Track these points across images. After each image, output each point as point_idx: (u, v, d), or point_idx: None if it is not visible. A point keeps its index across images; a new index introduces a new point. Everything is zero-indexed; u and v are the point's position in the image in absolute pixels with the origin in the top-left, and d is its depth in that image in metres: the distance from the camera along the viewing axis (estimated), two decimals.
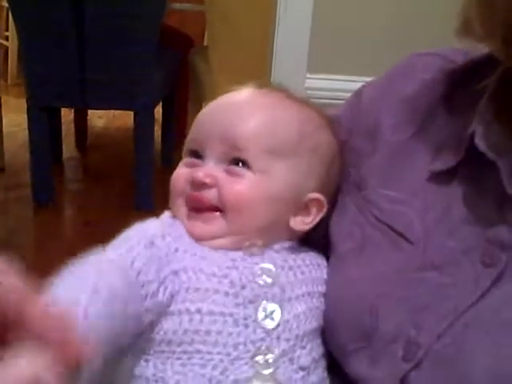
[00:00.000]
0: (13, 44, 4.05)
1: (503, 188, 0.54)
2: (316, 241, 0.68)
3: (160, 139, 2.91)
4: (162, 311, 0.56)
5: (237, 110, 0.65)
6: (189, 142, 0.66)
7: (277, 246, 0.64)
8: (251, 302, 0.59)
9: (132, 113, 2.47)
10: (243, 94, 0.68)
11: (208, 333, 0.57)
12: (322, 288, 0.65)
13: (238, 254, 0.62)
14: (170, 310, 0.57)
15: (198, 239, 0.62)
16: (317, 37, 1.82)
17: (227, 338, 0.57)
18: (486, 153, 0.54)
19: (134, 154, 2.46)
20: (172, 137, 2.91)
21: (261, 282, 0.60)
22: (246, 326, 0.58)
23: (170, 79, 2.71)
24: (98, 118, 3.49)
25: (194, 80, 2.71)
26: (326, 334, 0.63)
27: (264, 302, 0.60)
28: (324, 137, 0.68)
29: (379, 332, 0.58)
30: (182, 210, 0.64)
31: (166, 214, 0.66)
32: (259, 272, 0.61)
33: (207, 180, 0.62)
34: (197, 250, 0.61)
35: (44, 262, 2.11)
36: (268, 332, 0.59)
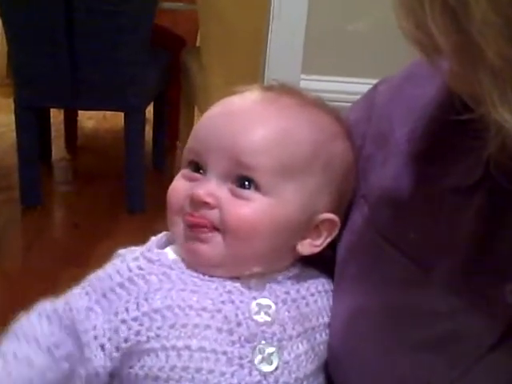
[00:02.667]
0: (1, 43, 4.00)
1: None
2: (322, 253, 0.61)
3: (151, 141, 2.88)
4: (128, 352, 0.54)
5: (242, 120, 0.57)
6: (188, 152, 0.60)
7: (279, 277, 0.58)
8: (248, 341, 0.54)
9: (123, 114, 2.43)
10: (249, 100, 0.60)
11: (198, 371, 0.53)
12: (328, 318, 0.59)
13: (235, 286, 0.56)
14: (153, 346, 0.53)
15: (195, 263, 0.57)
16: (312, 37, 1.79)
17: (219, 377, 0.53)
18: (499, 180, 0.48)
19: (125, 155, 2.42)
20: (163, 138, 2.87)
21: (259, 320, 0.55)
22: (242, 367, 0.53)
23: (162, 80, 2.68)
24: (88, 119, 3.45)
25: (186, 81, 2.68)
26: (329, 368, 0.58)
27: (262, 342, 0.55)
28: (339, 148, 0.60)
29: (387, 374, 0.53)
30: (180, 228, 0.58)
31: (153, 241, 0.61)
32: (257, 309, 0.55)
33: (209, 200, 0.56)
34: (187, 283, 0.56)
35: (33, 265, 2.09)
36: (265, 375, 0.54)
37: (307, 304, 0.58)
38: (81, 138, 3.21)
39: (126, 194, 2.45)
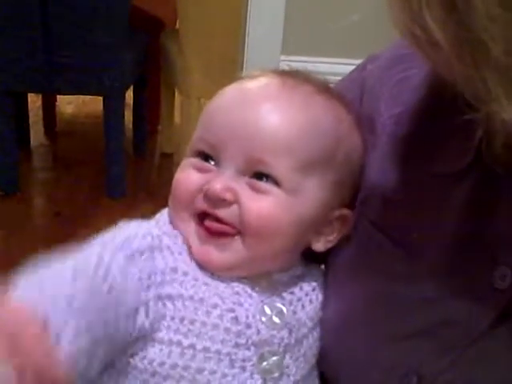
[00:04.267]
0: None
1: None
2: None
3: (132, 125, 2.84)
4: (144, 335, 0.50)
5: (262, 110, 0.53)
6: (199, 142, 0.55)
7: (285, 278, 0.56)
8: (255, 345, 0.52)
9: (102, 98, 2.39)
10: (266, 87, 0.55)
11: (200, 371, 0.50)
12: (321, 313, 0.57)
13: (243, 287, 0.53)
14: (159, 336, 0.50)
15: (207, 268, 0.53)
16: (291, 18, 1.77)
17: (221, 379, 0.51)
18: (491, 164, 0.47)
19: (105, 140, 2.38)
20: (144, 123, 2.83)
21: (269, 324, 0.53)
22: (244, 370, 0.51)
23: (141, 62, 2.63)
24: (67, 105, 3.39)
25: (166, 64, 2.65)
26: (321, 364, 0.57)
27: (268, 349, 0.52)
28: (355, 142, 0.57)
29: (375, 364, 0.52)
30: (190, 225, 0.54)
31: (165, 216, 0.56)
32: (268, 312, 0.53)
33: (227, 196, 0.52)
34: (199, 273, 0.52)
35: (12, 254, 2.05)
36: (266, 379, 0.52)
37: (311, 301, 0.57)
38: (60, 124, 3.16)
39: (107, 180, 2.42)
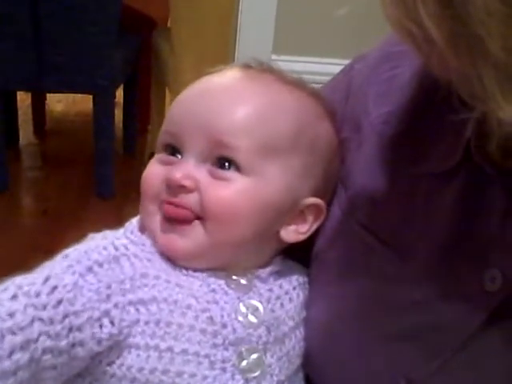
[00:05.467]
0: None
1: (505, 202, 0.45)
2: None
3: (122, 125, 2.82)
4: (117, 341, 0.49)
5: (222, 98, 0.54)
6: (163, 135, 0.56)
7: (263, 274, 0.55)
8: (232, 344, 0.51)
9: (92, 97, 2.37)
10: (228, 77, 0.56)
11: (179, 374, 0.50)
12: (305, 312, 0.57)
13: (219, 284, 0.53)
14: (134, 342, 0.49)
15: (173, 257, 0.53)
16: (282, 18, 1.76)
17: (201, 381, 0.50)
18: (481, 164, 0.46)
19: (94, 139, 2.37)
20: (134, 122, 2.82)
21: (245, 323, 0.52)
22: (224, 371, 0.51)
23: (132, 61, 2.62)
24: (57, 103, 3.38)
25: (157, 63, 2.64)
26: (306, 366, 0.56)
27: (247, 346, 0.52)
28: (323, 130, 0.57)
29: (363, 367, 0.51)
30: (155, 219, 0.54)
31: (134, 224, 0.56)
32: (244, 310, 0.52)
33: (187, 183, 0.52)
34: (171, 275, 0.52)
35: (0, 252, 2.04)
36: (248, 379, 0.51)
37: (291, 299, 0.56)
38: (49, 122, 3.14)
39: (96, 179, 2.40)
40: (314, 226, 0.57)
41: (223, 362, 0.51)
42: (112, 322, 0.49)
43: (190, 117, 0.54)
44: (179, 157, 0.54)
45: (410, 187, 0.51)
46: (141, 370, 0.49)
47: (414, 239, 0.50)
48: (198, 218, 0.53)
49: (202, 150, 0.53)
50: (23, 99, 2.95)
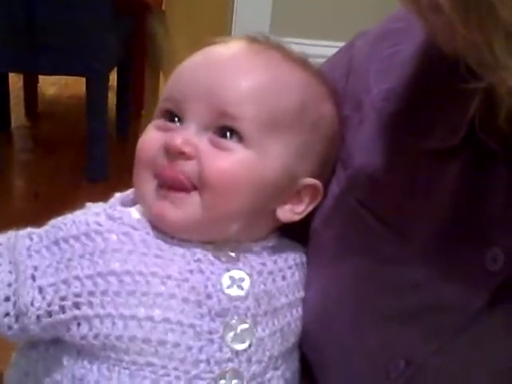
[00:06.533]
0: None
1: (509, 180, 0.44)
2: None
3: (115, 108, 2.80)
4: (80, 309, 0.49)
5: (228, 67, 0.53)
6: (163, 101, 0.54)
7: (256, 247, 0.54)
8: (219, 315, 0.50)
9: (85, 80, 2.35)
10: (234, 49, 0.55)
11: (162, 343, 0.48)
12: (303, 293, 0.55)
13: (206, 254, 0.51)
14: (109, 312, 0.48)
15: (164, 228, 0.52)
16: None
17: (186, 352, 0.49)
18: (486, 142, 0.45)
19: (87, 122, 2.36)
20: (128, 105, 2.80)
21: (231, 294, 0.50)
22: (211, 342, 0.49)
23: (126, 44, 2.60)
24: (50, 86, 3.35)
25: (152, 46, 2.62)
26: (303, 345, 0.55)
27: (235, 318, 0.50)
28: (326, 110, 0.56)
29: (360, 347, 0.50)
30: (150, 186, 0.52)
31: (116, 198, 0.55)
32: (229, 282, 0.51)
33: (186, 149, 0.50)
34: (151, 246, 0.51)
35: None
36: (237, 352, 0.50)
37: (284, 277, 0.54)
38: (41, 105, 3.12)
39: (89, 162, 2.39)
40: (310, 207, 0.55)
41: (210, 333, 0.49)
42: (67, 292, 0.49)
43: (194, 84, 0.52)
44: (178, 124, 0.53)
45: (410, 165, 0.50)
46: (119, 338, 0.48)
47: (414, 218, 0.49)
48: (194, 188, 0.51)
49: (204, 118, 0.52)
50: (15, 82, 2.92)
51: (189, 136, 0.51)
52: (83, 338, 0.49)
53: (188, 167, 0.51)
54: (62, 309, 0.49)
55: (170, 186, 0.52)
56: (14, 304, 0.50)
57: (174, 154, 0.51)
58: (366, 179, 0.53)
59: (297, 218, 0.55)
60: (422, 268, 0.48)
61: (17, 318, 0.50)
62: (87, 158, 2.39)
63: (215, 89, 0.51)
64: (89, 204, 0.55)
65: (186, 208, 0.51)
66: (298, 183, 0.54)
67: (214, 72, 0.52)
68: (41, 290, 0.49)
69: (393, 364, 0.47)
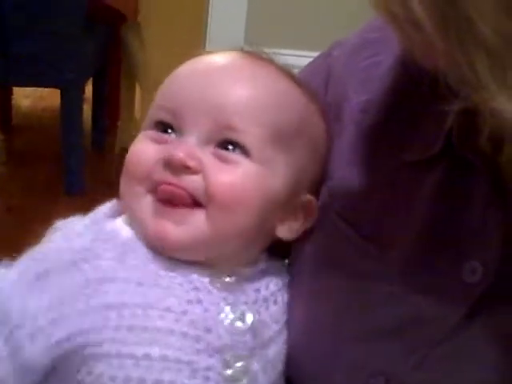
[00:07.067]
0: None
1: (487, 193, 0.44)
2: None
3: (91, 120, 2.78)
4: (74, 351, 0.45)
5: (230, 77, 0.51)
6: (157, 110, 0.51)
7: (249, 273, 0.51)
8: (217, 351, 0.47)
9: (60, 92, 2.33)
10: (233, 58, 0.53)
11: (157, 383, 0.46)
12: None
13: (202, 281, 0.48)
14: (104, 350, 0.45)
15: (163, 247, 0.48)
16: (254, 10, 1.74)
17: None
18: (464, 153, 0.44)
19: (62, 134, 2.33)
20: (103, 117, 2.77)
21: (232, 328, 0.48)
22: (207, 379, 0.47)
23: (100, 55, 2.58)
24: (24, 98, 3.31)
25: (127, 57, 2.60)
26: (287, 367, 0.53)
27: (232, 354, 0.48)
28: (320, 129, 0.54)
29: (340, 364, 0.49)
30: (144, 202, 0.49)
31: (101, 214, 0.51)
32: (230, 314, 0.48)
33: (191, 163, 0.47)
34: (146, 274, 0.47)
35: None
36: None
37: (275, 302, 0.52)
38: (16, 118, 3.08)
39: (64, 175, 2.36)
40: (306, 225, 0.54)
41: (207, 369, 0.47)
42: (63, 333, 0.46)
43: (193, 94, 0.49)
44: (173, 136, 0.50)
45: (389, 177, 0.50)
46: (113, 378, 0.45)
47: (393, 231, 0.49)
48: (196, 205, 0.48)
49: (206, 131, 0.49)
50: None
51: (191, 149, 0.48)
52: (78, 371, 0.46)
53: (192, 182, 0.48)
54: (58, 345, 0.45)
55: (169, 201, 0.48)
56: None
57: (177, 168, 0.48)
58: (346, 192, 0.52)
59: (294, 236, 0.53)
60: (401, 281, 0.47)
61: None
62: (63, 171, 2.36)
63: (218, 100, 0.49)
64: (60, 223, 0.51)
65: (189, 226, 0.48)
66: (299, 200, 0.53)
67: (215, 80, 0.50)
68: (32, 336, 0.45)
69: (372, 381, 0.47)
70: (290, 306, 0.54)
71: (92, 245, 0.48)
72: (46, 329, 0.45)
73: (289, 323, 0.53)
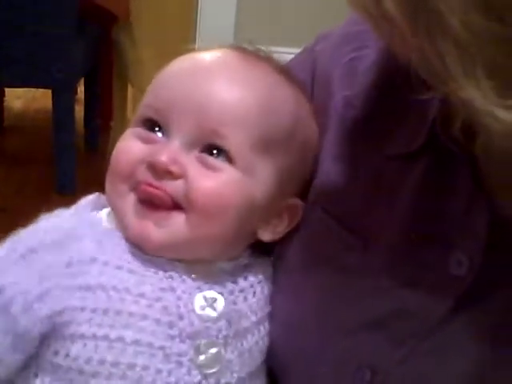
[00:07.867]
0: None
1: (471, 184, 0.44)
2: None
3: (83, 121, 2.77)
4: (54, 329, 0.46)
5: (218, 81, 0.50)
6: (145, 108, 0.51)
7: (229, 267, 0.51)
8: (189, 337, 0.48)
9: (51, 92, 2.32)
10: (225, 57, 0.52)
11: (131, 367, 0.46)
12: (270, 307, 0.54)
13: (177, 271, 0.49)
14: (80, 331, 0.46)
15: (143, 246, 0.49)
16: (243, 8, 1.75)
17: (155, 375, 0.47)
18: (448, 145, 0.45)
19: (54, 135, 2.33)
20: (96, 118, 2.77)
21: (203, 315, 0.48)
22: (180, 365, 0.47)
23: (92, 55, 2.58)
24: (16, 99, 3.30)
25: (119, 57, 2.60)
26: (269, 358, 0.53)
27: (205, 340, 0.48)
28: (312, 130, 0.54)
29: (326, 358, 0.49)
30: (127, 200, 0.49)
31: (87, 202, 0.52)
32: (202, 302, 0.48)
33: (173, 168, 0.47)
34: (124, 260, 0.48)
35: None
36: (206, 375, 0.48)
37: (254, 294, 0.52)
38: (8, 119, 3.07)
39: (57, 176, 2.36)
40: (290, 227, 0.54)
41: (179, 355, 0.47)
42: (47, 306, 0.46)
43: (181, 94, 0.49)
44: (160, 135, 0.50)
45: (374, 171, 0.50)
46: (88, 360, 0.46)
47: (379, 224, 0.49)
48: (177, 207, 0.49)
49: (191, 134, 0.49)
50: None
51: (175, 153, 0.48)
52: (56, 353, 0.47)
53: (173, 187, 0.48)
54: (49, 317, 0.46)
55: (150, 202, 0.49)
56: None
57: (159, 172, 0.48)
58: (331, 186, 0.52)
59: (277, 237, 0.54)
60: (387, 274, 0.47)
61: None
62: (55, 172, 2.36)
63: (204, 103, 0.48)
64: (44, 215, 0.52)
65: (169, 228, 0.49)
66: (283, 203, 0.53)
67: (203, 83, 0.49)
68: (24, 309, 0.46)
69: (359, 374, 0.47)
70: (276, 301, 0.54)
71: (76, 228, 0.49)
72: (35, 302, 0.46)
73: (274, 318, 0.53)
